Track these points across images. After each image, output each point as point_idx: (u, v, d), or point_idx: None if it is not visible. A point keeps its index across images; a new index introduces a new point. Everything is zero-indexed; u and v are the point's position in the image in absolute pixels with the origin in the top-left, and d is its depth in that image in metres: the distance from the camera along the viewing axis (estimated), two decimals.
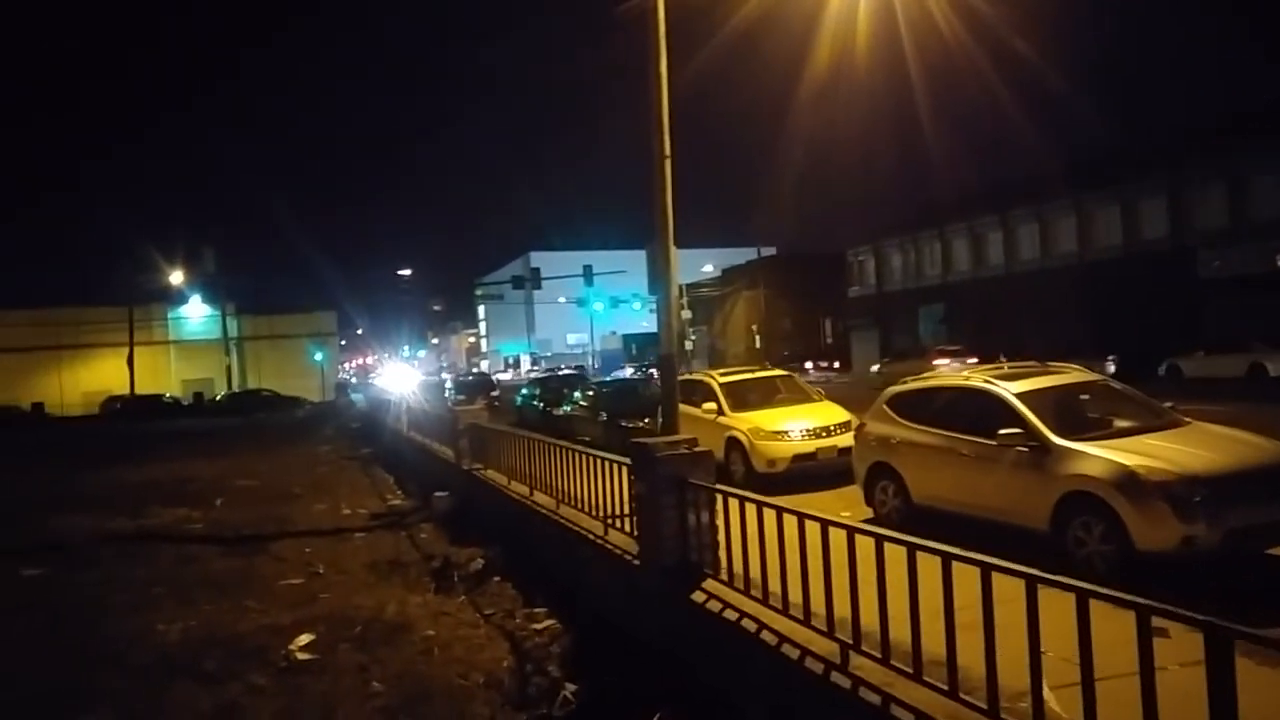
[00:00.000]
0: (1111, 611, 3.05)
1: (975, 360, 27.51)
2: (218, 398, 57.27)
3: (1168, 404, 8.03)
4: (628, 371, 49.49)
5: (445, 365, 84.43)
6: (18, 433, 42.58)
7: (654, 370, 25.92)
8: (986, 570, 3.51)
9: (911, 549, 3.89)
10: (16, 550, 12.02)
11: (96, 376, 61.58)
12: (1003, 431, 7.43)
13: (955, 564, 3.68)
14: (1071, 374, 8.57)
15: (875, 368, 36.13)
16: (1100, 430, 7.48)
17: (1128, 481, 6.42)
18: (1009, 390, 7.84)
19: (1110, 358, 27.32)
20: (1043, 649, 3.31)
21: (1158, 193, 34.16)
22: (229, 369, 60.82)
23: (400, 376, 36.33)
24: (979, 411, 8.01)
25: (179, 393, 60.51)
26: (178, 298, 63.84)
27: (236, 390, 58.72)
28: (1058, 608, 3.25)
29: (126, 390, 53.63)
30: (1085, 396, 8.36)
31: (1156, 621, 2.91)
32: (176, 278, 58.32)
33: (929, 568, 3.80)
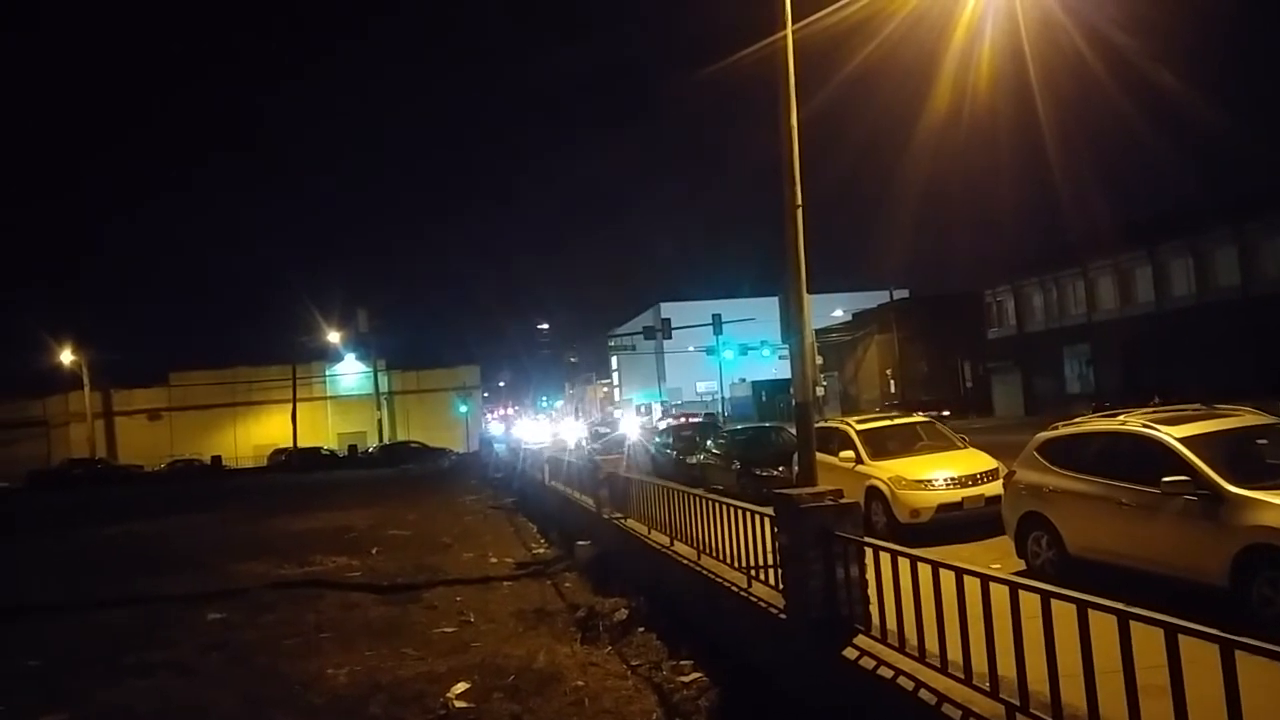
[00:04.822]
0: None
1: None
2: (370, 449, 60.46)
3: None
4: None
5: (592, 416, 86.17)
6: (201, 483, 46.63)
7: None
8: (1172, 632, 3.26)
9: (1082, 606, 3.70)
10: (203, 595, 13.10)
11: (264, 430, 66.39)
12: (1167, 479, 7.02)
13: (1133, 623, 3.46)
14: (1244, 416, 8.02)
15: None
16: None
17: None
18: (1172, 435, 7.42)
19: None
20: None
21: None
22: (380, 422, 64.42)
23: (563, 428, 37.52)
24: (1139, 458, 7.60)
25: (335, 445, 64.20)
26: (334, 356, 68.29)
27: (387, 442, 61.87)
28: (1255, 673, 3.05)
29: (290, 443, 57.58)
30: (1263, 441, 7.80)
31: None
32: (333, 337, 62.63)
33: (1099, 625, 3.64)
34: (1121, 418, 8.42)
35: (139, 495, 39.42)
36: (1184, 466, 7.04)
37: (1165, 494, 7.04)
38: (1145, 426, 7.76)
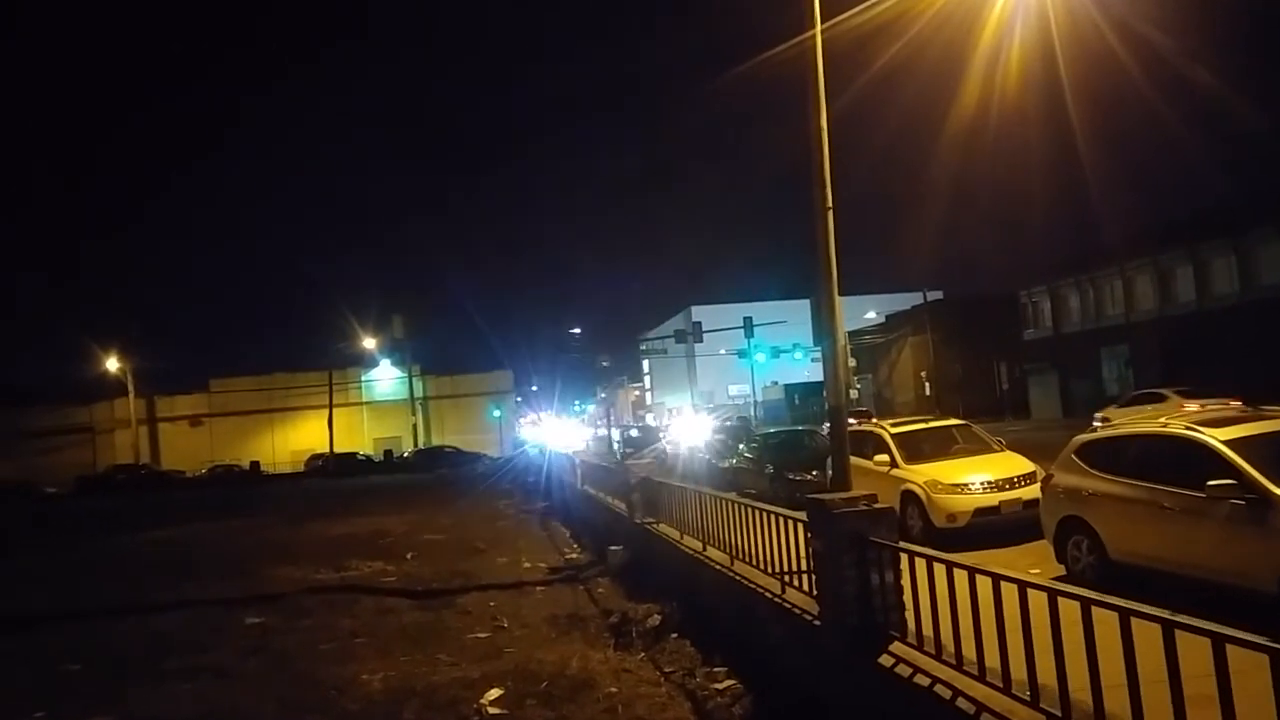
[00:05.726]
0: None
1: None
2: (405, 454, 60.99)
3: None
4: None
5: (625, 420, 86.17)
6: (240, 488, 47.48)
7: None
8: (1219, 641, 3.16)
9: (1125, 614, 3.61)
10: (241, 599, 13.28)
11: (302, 436, 67.32)
12: (1212, 483, 6.86)
13: (1178, 632, 3.38)
14: None
15: None
16: None
17: None
18: (1216, 438, 7.25)
19: None
20: None
21: None
22: (415, 427, 65.04)
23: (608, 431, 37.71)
24: (1182, 461, 7.44)
25: (371, 450, 64.86)
26: (370, 362, 69.09)
27: (422, 447, 62.40)
28: None
29: (326, 448, 58.34)
30: None
31: None
32: (369, 343, 63.44)
33: (1142, 633, 3.54)
34: (1163, 420, 8.25)
35: (181, 500, 40.13)
36: (1230, 470, 6.88)
37: (1210, 498, 6.89)
38: (1188, 429, 7.59)
